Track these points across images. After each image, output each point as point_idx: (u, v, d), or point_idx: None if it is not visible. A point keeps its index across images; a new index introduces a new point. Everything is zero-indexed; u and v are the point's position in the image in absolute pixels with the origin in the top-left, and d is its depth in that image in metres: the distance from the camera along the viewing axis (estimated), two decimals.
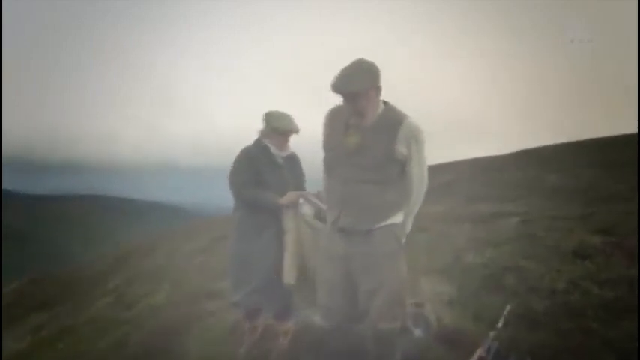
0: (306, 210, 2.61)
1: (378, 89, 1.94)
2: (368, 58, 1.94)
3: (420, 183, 2.03)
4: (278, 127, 2.56)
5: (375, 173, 1.95)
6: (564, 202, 7.33)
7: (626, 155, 12.15)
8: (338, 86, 1.90)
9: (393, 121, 1.96)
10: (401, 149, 1.93)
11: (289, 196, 2.52)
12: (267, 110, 2.62)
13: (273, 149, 2.61)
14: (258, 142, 2.68)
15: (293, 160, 2.72)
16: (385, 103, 2.02)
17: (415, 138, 1.95)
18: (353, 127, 1.98)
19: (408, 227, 2.12)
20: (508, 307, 2.82)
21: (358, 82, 1.87)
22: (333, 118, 2.08)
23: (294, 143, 2.75)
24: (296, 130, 2.61)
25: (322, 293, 2.14)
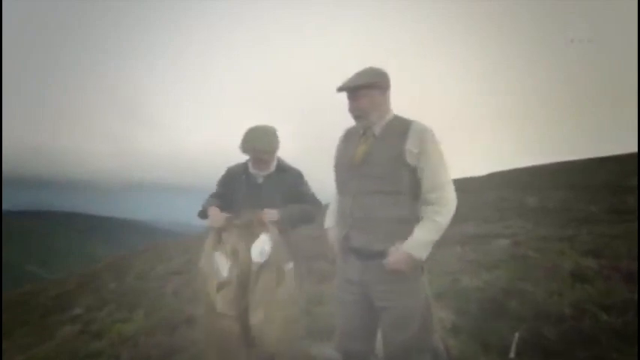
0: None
1: (382, 91, 1.90)
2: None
3: (436, 189, 1.78)
4: (243, 147, 2.38)
5: (386, 182, 1.83)
6: (545, 223, 7.45)
7: (597, 178, 12.68)
8: (344, 83, 1.90)
9: (401, 125, 1.90)
10: (411, 149, 1.81)
11: (214, 214, 2.30)
12: (247, 126, 2.44)
13: (251, 168, 2.47)
14: (246, 160, 2.54)
15: (277, 179, 2.46)
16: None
17: (425, 138, 1.81)
18: (362, 138, 1.94)
19: (425, 242, 1.76)
20: (517, 335, 2.68)
21: (360, 78, 1.89)
22: (347, 136, 2.06)
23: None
24: (260, 152, 2.36)
25: (339, 317, 2.00)
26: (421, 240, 1.76)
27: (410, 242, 1.76)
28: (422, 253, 1.77)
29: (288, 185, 2.45)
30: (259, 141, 2.35)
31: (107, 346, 3.96)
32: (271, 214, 2.29)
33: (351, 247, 1.89)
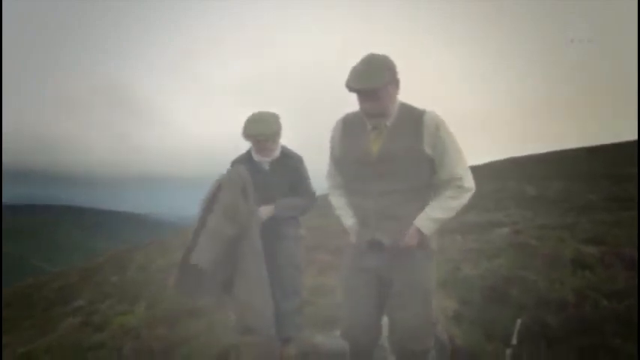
0: None
1: (396, 84, 1.77)
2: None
3: (454, 179, 1.75)
4: (244, 134, 2.40)
5: (408, 178, 1.77)
6: (545, 212, 7.43)
7: (594, 167, 12.66)
8: (356, 83, 1.70)
9: (413, 115, 1.79)
10: (428, 138, 1.74)
11: (264, 210, 2.40)
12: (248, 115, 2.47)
13: (255, 155, 2.48)
14: (248, 150, 2.55)
15: (283, 164, 2.48)
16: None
17: (440, 128, 1.75)
18: (374, 132, 1.81)
19: (432, 218, 1.75)
20: (519, 322, 2.68)
21: (378, 77, 1.69)
22: (349, 127, 1.88)
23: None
24: (258, 138, 2.37)
25: (346, 306, 1.95)
26: (429, 216, 1.76)
27: (419, 217, 1.77)
28: (427, 228, 1.76)
29: (292, 171, 2.47)
30: (256, 127, 2.36)
31: (109, 339, 3.97)
32: (268, 210, 2.37)
33: (375, 244, 1.81)
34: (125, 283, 7.03)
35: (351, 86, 1.72)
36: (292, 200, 2.46)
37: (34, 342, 4.84)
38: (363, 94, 1.73)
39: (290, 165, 2.47)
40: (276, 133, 2.40)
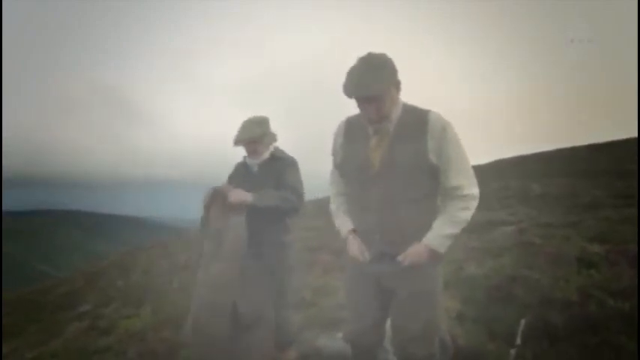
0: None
1: (397, 85, 1.68)
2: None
3: (463, 187, 1.65)
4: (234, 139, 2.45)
5: (413, 189, 1.69)
6: (549, 210, 7.39)
7: (600, 163, 12.58)
8: (356, 90, 1.61)
9: (416, 117, 1.69)
10: (433, 145, 1.65)
11: (238, 193, 2.34)
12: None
13: (247, 158, 2.54)
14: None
15: (271, 167, 2.48)
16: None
17: (446, 131, 1.65)
18: (375, 137, 1.72)
19: (447, 235, 1.67)
20: (523, 322, 2.67)
21: (379, 82, 1.59)
22: (351, 131, 1.81)
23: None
24: (242, 142, 2.41)
25: (349, 308, 1.93)
26: (443, 233, 1.67)
27: (431, 236, 1.68)
28: (442, 246, 1.69)
29: (279, 172, 2.45)
30: (240, 133, 2.41)
31: (115, 342, 3.99)
32: (243, 194, 2.27)
33: (379, 255, 1.76)
34: (130, 287, 7.06)
35: (349, 93, 1.63)
36: (278, 193, 2.36)
37: (41, 346, 4.87)
38: (363, 100, 1.65)
39: (277, 167, 2.46)
40: (259, 136, 2.41)
